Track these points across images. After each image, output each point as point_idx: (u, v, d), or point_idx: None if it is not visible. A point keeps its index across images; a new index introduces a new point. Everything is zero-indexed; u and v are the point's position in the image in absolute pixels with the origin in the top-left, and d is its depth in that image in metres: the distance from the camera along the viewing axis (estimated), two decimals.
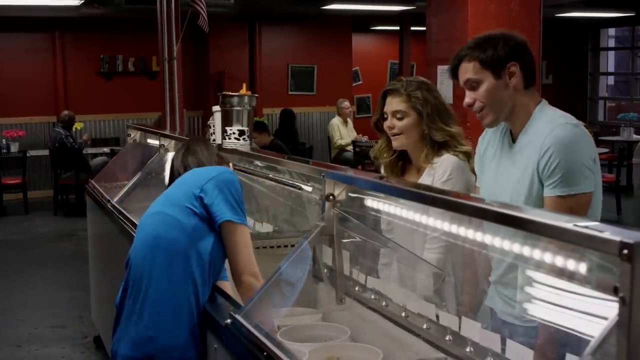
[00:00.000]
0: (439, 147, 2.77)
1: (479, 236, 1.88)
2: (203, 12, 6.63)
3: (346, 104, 11.09)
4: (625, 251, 1.22)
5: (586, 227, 1.35)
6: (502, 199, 2.30)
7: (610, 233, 1.28)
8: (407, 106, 2.75)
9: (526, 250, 1.67)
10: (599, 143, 9.57)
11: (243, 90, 3.62)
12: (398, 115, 2.77)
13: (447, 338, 2.04)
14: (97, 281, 5.13)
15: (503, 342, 1.83)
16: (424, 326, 2.15)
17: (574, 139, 2.22)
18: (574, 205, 2.17)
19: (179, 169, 2.70)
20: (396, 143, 2.81)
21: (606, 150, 11.02)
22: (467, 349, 1.94)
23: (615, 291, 1.25)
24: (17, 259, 7.84)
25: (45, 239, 8.80)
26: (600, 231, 1.31)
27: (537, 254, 1.63)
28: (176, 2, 7.00)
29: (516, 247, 1.72)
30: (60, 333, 5.55)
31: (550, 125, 2.24)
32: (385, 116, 2.81)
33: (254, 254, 2.51)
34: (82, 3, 9.40)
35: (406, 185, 2.40)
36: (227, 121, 3.53)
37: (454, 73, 2.38)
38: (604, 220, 1.44)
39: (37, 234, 9.11)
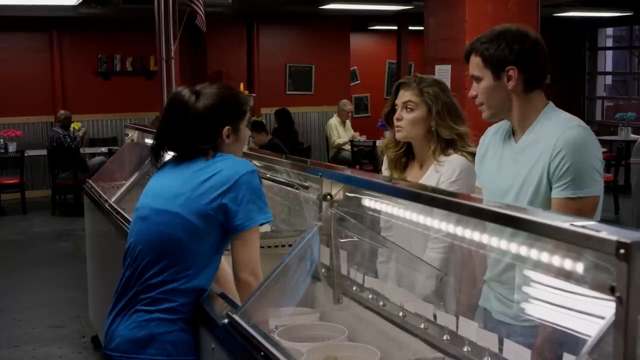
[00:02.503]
0: (446, 145, 2.79)
1: (476, 236, 1.88)
2: (201, 12, 6.63)
3: (349, 107, 11.09)
4: (622, 251, 1.22)
5: (583, 226, 1.35)
6: (507, 198, 2.30)
7: (607, 233, 1.28)
8: (418, 99, 2.79)
9: (523, 250, 1.67)
10: None
11: (241, 90, 3.62)
12: (408, 106, 2.80)
13: (444, 337, 2.04)
14: (95, 281, 5.12)
15: (500, 342, 1.83)
16: (422, 326, 2.14)
17: (586, 142, 2.23)
18: (582, 208, 2.17)
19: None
20: (399, 135, 2.84)
21: (604, 149, 11.01)
22: (465, 349, 1.94)
23: (612, 291, 1.25)
24: (15, 259, 7.83)
25: (43, 238, 8.79)
26: (597, 231, 1.31)
27: (534, 254, 1.63)
28: (174, 2, 6.99)
29: (513, 247, 1.72)
30: (58, 333, 5.54)
31: (561, 128, 2.24)
32: (396, 107, 2.84)
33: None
34: (80, 3, 9.39)
35: (403, 184, 2.40)
36: None
37: (467, 60, 2.39)
38: (601, 219, 1.44)
39: (35, 233, 9.11)
